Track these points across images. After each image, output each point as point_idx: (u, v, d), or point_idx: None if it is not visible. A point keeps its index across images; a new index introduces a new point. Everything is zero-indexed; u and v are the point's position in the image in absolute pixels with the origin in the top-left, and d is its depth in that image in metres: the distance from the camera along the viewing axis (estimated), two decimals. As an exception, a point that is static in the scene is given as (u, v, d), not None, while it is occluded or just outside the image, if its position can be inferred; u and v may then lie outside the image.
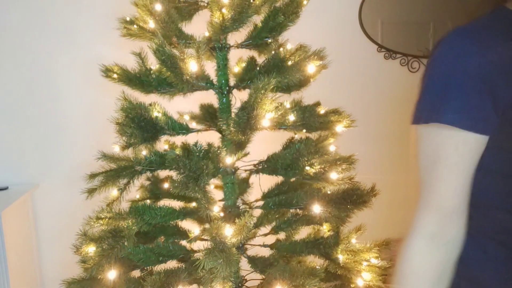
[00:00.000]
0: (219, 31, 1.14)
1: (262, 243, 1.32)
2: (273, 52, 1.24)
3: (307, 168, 1.16)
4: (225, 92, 1.25)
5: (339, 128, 1.21)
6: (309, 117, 1.18)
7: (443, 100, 0.61)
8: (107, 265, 1.08)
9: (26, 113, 2.10)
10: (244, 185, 1.52)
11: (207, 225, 1.35)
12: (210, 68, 1.25)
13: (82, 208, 1.28)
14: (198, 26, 1.30)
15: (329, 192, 1.18)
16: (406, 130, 2.31)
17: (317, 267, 1.16)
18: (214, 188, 1.47)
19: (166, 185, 1.39)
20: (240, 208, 1.30)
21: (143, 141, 1.16)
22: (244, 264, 1.24)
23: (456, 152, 0.61)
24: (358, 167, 1.26)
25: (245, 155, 1.31)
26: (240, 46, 1.28)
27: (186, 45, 1.20)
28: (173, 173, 1.11)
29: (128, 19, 1.26)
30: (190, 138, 1.23)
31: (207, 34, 1.21)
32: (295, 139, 1.31)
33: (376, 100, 2.39)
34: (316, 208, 1.14)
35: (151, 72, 1.20)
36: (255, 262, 1.24)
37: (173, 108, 1.32)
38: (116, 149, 1.23)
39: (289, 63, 1.17)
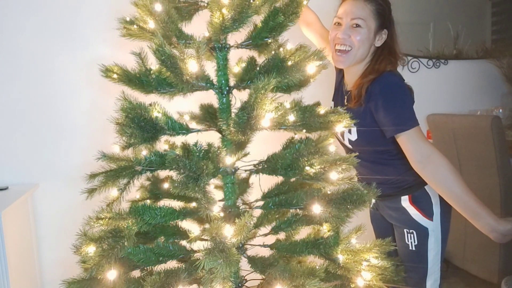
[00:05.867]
0: (219, 31, 1.14)
1: (262, 243, 1.32)
2: (273, 52, 1.24)
3: (307, 168, 1.16)
4: (225, 92, 1.25)
5: (339, 128, 1.21)
6: (309, 117, 1.18)
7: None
8: (107, 265, 1.08)
9: (26, 113, 2.10)
10: (244, 185, 1.52)
11: (207, 225, 1.35)
12: (210, 68, 1.25)
13: (82, 208, 1.28)
14: (198, 26, 1.30)
15: (329, 192, 1.18)
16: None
17: (317, 267, 1.16)
18: (214, 188, 1.47)
19: (166, 185, 1.39)
20: (240, 208, 1.30)
21: (143, 141, 1.16)
22: (244, 264, 1.24)
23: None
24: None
25: (245, 155, 1.31)
26: (240, 46, 1.28)
27: (186, 45, 1.20)
28: (173, 173, 1.11)
29: (128, 19, 1.26)
30: (190, 138, 1.23)
31: (207, 34, 1.21)
32: (295, 139, 1.31)
33: (376, 100, 2.39)
34: (316, 208, 1.14)
35: (151, 72, 1.20)
36: (255, 262, 1.24)
37: (173, 108, 1.32)
38: (116, 149, 1.23)
39: (289, 63, 1.17)
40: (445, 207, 1.39)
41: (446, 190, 1.26)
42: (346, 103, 1.44)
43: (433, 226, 1.38)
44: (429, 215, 1.38)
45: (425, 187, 1.39)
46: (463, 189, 1.23)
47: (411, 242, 1.40)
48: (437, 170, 1.25)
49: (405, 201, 1.39)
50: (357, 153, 1.21)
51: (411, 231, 1.39)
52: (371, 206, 1.55)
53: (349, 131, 1.40)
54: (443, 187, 1.26)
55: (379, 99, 1.30)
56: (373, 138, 1.36)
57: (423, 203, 1.39)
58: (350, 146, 1.44)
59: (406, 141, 1.28)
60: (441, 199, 1.37)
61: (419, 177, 1.32)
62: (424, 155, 1.26)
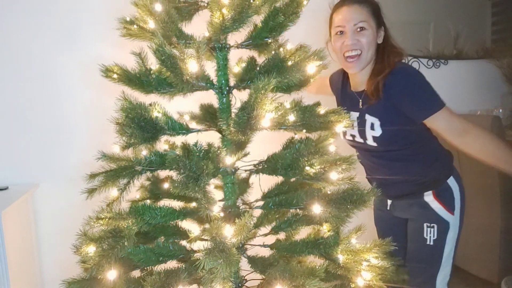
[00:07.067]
0: (219, 31, 1.14)
1: (262, 243, 1.32)
2: (273, 52, 1.24)
3: (307, 168, 1.16)
4: (225, 92, 1.25)
5: (339, 128, 1.21)
6: (309, 117, 1.18)
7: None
8: (107, 265, 1.08)
9: (26, 113, 2.10)
10: (244, 185, 1.52)
11: (207, 225, 1.35)
12: (210, 68, 1.25)
13: (82, 208, 1.28)
14: (198, 26, 1.30)
15: (329, 192, 1.18)
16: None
17: (317, 267, 1.16)
18: (214, 188, 1.47)
19: (166, 185, 1.39)
20: (240, 208, 1.30)
21: (143, 141, 1.16)
22: (244, 264, 1.24)
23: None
24: (358, 167, 1.26)
25: (245, 155, 1.31)
26: (240, 46, 1.28)
27: (186, 45, 1.20)
28: (173, 173, 1.11)
29: (128, 19, 1.26)
30: (190, 138, 1.23)
31: (207, 34, 1.21)
32: (295, 139, 1.31)
33: (376, 100, 2.38)
34: (316, 208, 1.14)
35: (151, 72, 1.20)
36: (255, 262, 1.24)
37: (173, 108, 1.32)
38: (116, 149, 1.23)
39: (289, 63, 1.17)
40: (463, 202, 1.42)
41: (492, 158, 1.27)
42: (361, 106, 1.43)
43: (454, 221, 1.41)
44: (451, 209, 1.40)
45: (448, 181, 1.41)
46: (508, 152, 1.24)
47: (430, 236, 1.41)
48: (477, 141, 1.27)
49: (428, 196, 1.41)
50: (357, 153, 1.21)
51: (432, 225, 1.41)
52: (388, 207, 1.55)
53: (372, 128, 1.39)
54: (488, 155, 1.27)
55: (401, 91, 1.31)
56: (398, 130, 1.36)
57: (446, 197, 1.41)
58: (374, 144, 1.41)
59: (440, 122, 1.29)
60: (461, 194, 1.41)
61: (442, 171, 1.34)
62: (460, 129, 1.28)
